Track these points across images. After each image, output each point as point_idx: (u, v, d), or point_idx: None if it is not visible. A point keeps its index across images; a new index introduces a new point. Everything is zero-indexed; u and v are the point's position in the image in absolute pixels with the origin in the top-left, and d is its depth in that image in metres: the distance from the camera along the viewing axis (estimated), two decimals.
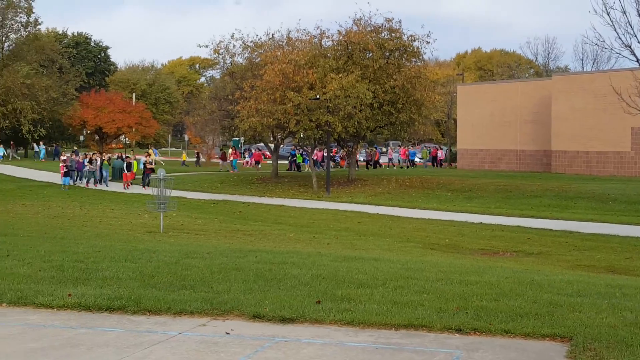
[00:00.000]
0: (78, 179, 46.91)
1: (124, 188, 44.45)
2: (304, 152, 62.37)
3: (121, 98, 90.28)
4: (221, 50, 53.07)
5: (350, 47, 45.62)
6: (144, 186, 44.10)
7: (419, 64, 48.76)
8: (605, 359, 8.35)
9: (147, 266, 13.96)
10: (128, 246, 17.84)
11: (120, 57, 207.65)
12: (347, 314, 10.23)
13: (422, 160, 68.94)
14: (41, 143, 79.00)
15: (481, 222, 30.38)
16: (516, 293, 11.90)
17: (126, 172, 45.76)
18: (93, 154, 51.66)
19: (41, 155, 72.74)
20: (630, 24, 20.97)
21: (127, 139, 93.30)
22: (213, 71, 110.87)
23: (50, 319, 10.08)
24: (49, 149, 79.73)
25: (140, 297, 10.96)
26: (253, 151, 73.70)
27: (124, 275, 12.94)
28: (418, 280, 12.92)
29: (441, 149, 74.95)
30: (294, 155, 63.34)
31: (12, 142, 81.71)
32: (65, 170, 44.34)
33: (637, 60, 20.83)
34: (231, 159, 64.80)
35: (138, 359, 8.36)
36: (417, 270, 14.36)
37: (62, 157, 47.83)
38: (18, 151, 77.94)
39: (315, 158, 59.04)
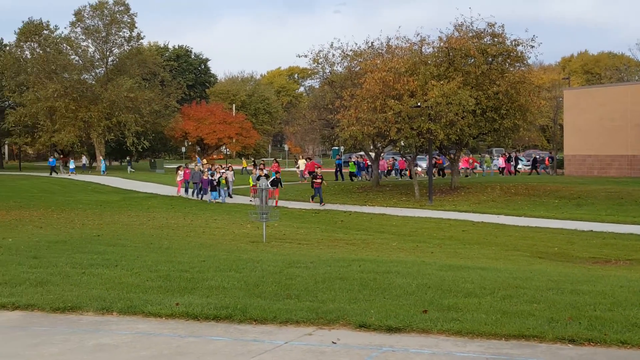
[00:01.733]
0: (201, 194, 44.54)
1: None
2: (357, 162, 61.80)
3: (221, 109, 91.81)
4: (320, 60, 53.22)
5: (451, 53, 45.14)
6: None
7: (523, 68, 47.88)
8: None
9: (251, 276, 14.01)
10: (232, 256, 17.98)
11: (220, 68, 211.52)
12: (455, 323, 10.04)
13: (488, 169, 67.10)
14: (101, 157, 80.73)
15: (592, 230, 29.52)
16: (631, 303, 11.53)
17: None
18: (215, 166, 49.50)
19: (102, 168, 73.80)
20: None
21: (227, 149, 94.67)
22: (312, 81, 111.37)
23: (159, 328, 10.21)
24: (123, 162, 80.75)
25: (246, 307, 10.98)
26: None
27: (229, 284, 13.02)
28: (527, 290, 12.62)
29: (537, 155, 73.20)
30: (339, 165, 61.10)
31: (62, 156, 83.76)
32: (193, 182, 44.78)
33: None
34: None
35: None
36: (525, 280, 14.04)
37: (180, 172, 47.64)
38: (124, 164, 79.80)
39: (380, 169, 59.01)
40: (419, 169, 62.10)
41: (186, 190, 46.25)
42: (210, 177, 43.94)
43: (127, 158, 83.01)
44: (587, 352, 8.98)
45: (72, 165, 72.70)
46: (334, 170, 60.78)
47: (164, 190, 49.94)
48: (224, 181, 43.24)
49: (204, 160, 66.49)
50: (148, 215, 34.36)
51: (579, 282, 13.90)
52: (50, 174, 70.83)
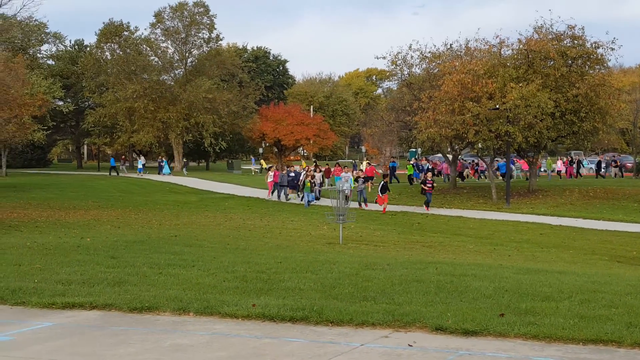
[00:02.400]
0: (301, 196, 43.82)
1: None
2: (415, 164, 61.15)
3: (299, 110, 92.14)
4: (398, 62, 53.12)
5: (530, 56, 44.68)
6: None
7: (603, 71, 47.11)
8: None
9: (327, 277, 14.11)
10: (308, 257, 18.11)
11: (298, 70, 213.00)
12: (532, 327, 10.01)
13: (546, 171, 65.74)
14: (141, 157, 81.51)
15: None
16: None
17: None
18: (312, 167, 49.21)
19: (139, 169, 74.35)
20: None
21: (305, 150, 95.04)
22: (390, 82, 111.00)
23: (235, 329, 10.33)
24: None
25: (322, 308, 11.07)
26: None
27: (305, 286, 13.13)
28: (605, 294, 12.50)
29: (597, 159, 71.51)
30: (392, 168, 59.71)
31: (122, 156, 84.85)
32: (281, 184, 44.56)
33: None
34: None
35: None
36: (604, 284, 13.89)
37: (270, 173, 47.37)
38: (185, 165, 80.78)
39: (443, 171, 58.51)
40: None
41: (275, 193, 45.61)
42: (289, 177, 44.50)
43: (184, 160, 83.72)
44: None
45: (140, 164, 73.78)
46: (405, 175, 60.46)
47: (241, 191, 50.45)
48: (308, 184, 42.88)
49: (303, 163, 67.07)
50: (225, 216, 34.76)
51: None
52: (110, 174, 71.90)
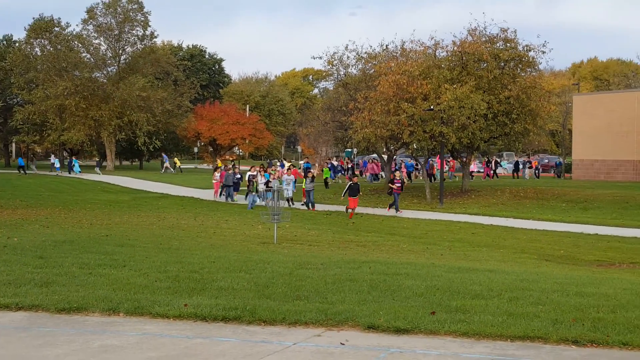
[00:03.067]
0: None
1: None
2: (331, 165, 61.57)
3: (235, 110, 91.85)
4: (335, 62, 53.39)
5: (464, 58, 45.25)
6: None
7: (534, 74, 47.98)
8: None
9: (261, 277, 14.13)
10: (242, 257, 18.09)
11: (234, 69, 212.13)
12: (462, 325, 10.18)
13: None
14: (52, 156, 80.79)
15: (597, 234, 29.70)
16: (634, 305, 11.71)
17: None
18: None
19: (57, 167, 73.70)
20: None
21: (240, 150, 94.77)
22: (326, 82, 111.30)
23: (167, 329, 10.28)
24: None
25: (255, 308, 11.10)
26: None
27: (238, 285, 13.13)
28: (533, 292, 12.77)
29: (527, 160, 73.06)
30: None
31: (32, 154, 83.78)
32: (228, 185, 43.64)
33: None
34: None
35: None
36: (532, 282, 14.17)
37: (217, 173, 46.24)
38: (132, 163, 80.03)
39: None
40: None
41: (223, 195, 44.60)
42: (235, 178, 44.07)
43: (96, 159, 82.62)
44: (589, 353, 9.12)
45: (57, 163, 72.86)
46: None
47: (175, 190, 50.13)
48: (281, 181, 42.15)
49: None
50: (158, 216, 34.50)
51: (583, 284, 14.05)
52: (19, 171, 70.79)
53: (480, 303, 11.71)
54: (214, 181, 46.26)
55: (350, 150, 79.13)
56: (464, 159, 50.10)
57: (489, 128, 44.93)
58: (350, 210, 37.18)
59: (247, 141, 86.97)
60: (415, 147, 49.23)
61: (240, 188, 44.92)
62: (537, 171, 69.04)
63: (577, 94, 72.30)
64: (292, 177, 42.55)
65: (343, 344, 9.49)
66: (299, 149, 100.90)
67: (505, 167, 75.96)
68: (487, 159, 69.17)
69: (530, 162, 70.22)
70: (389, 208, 39.31)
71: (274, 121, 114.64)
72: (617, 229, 31.18)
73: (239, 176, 45.06)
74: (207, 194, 47.21)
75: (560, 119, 73.44)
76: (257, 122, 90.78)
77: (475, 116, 42.10)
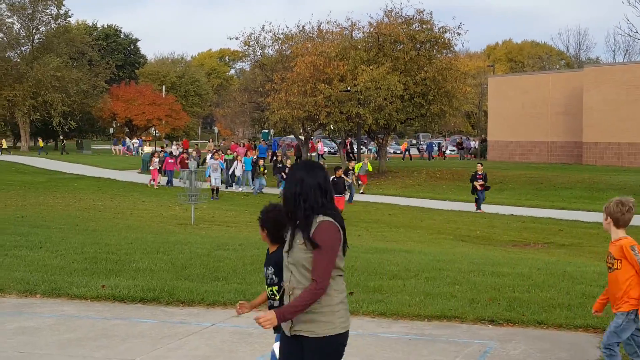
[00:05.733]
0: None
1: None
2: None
3: (151, 90, 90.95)
4: (251, 42, 53.24)
5: (381, 39, 45.51)
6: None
7: (450, 55, 48.59)
8: None
9: (179, 258, 14.03)
10: (160, 238, 17.92)
11: (150, 49, 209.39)
12: (380, 305, 10.27)
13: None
14: None
15: (512, 214, 30.22)
16: (549, 284, 11.93)
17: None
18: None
19: None
20: None
21: (156, 131, 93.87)
22: (243, 63, 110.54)
23: (84, 310, 10.17)
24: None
25: (173, 289, 11.03)
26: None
27: (156, 267, 13.02)
28: (450, 272, 12.93)
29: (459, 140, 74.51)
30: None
31: None
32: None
33: None
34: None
35: (172, 350, 8.42)
36: (449, 262, 14.36)
37: (155, 159, 41.41)
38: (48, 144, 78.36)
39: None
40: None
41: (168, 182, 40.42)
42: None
43: None
44: (505, 332, 9.29)
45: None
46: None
47: (91, 171, 49.28)
48: (262, 168, 38.43)
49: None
50: (74, 197, 33.85)
51: (499, 264, 14.29)
52: None
53: (398, 283, 11.81)
54: (151, 168, 41.60)
55: (267, 131, 79.04)
56: (381, 140, 50.46)
57: (406, 109, 45.35)
58: None
59: (163, 122, 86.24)
60: (332, 128, 49.43)
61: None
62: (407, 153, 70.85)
63: (492, 76, 73.43)
64: (218, 162, 36.81)
65: None
66: (216, 130, 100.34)
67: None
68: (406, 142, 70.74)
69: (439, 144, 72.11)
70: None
71: (191, 102, 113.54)
72: (531, 209, 31.75)
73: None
74: (124, 175, 46.58)
75: (476, 100, 74.57)
76: (173, 103, 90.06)
77: (391, 97, 42.42)
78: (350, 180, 33.25)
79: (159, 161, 40.84)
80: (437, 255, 15.92)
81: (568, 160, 56.63)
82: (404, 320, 9.80)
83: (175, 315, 9.95)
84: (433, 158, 68.76)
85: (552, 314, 9.92)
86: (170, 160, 41.15)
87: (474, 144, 75.99)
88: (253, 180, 38.65)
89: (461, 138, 76.28)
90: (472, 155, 70.44)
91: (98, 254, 14.35)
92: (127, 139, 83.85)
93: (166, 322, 9.57)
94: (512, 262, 14.99)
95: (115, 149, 79.56)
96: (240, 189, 38.69)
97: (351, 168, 35.18)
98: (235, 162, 39.19)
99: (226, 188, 38.72)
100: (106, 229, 21.18)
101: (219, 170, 35.86)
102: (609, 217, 7.05)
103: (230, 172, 39.23)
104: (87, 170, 50.29)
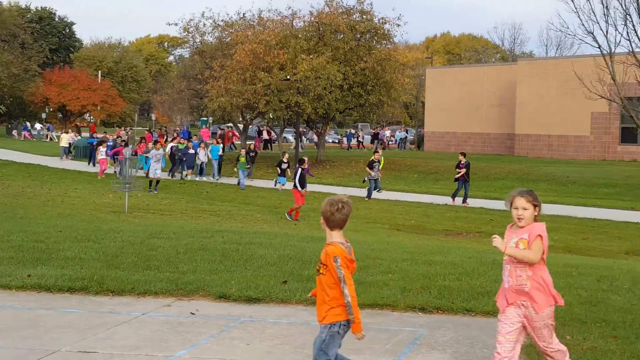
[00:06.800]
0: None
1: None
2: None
3: (86, 75, 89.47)
4: (191, 29, 52.80)
5: (321, 29, 45.53)
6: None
7: (389, 46, 48.86)
8: (560, 335, 8.40)
9: (110, 246, 13.81)
10: (91, 226, 17.63)
11: (86, 33, 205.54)
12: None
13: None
14: None
15: (446, 204, 30.58)
16: (478, 272, 12.08)
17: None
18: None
19: None
20: (593, 11, 21.36)
21: (92, 117, 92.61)
22: (182, 50, 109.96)
23: (8, 300, 9.92)
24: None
25: (103, 278, 10.83)
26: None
27: (86, 255, 12.78)
28: (384, 261, 12.97)
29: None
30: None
31: None
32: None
33: (599, 47, 20.97)
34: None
35: (101, 340, 8.25)
36: (382, 251, 14.42)
37: (102, 148, 39.38)
38: None
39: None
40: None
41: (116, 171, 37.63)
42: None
43: None
44: (435, 319, 9.35)
45: None
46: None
47: (20, 157, 48.40)
48: (243, 159, 36.75)
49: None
50: (2, 183, 33.21)
51: (432, 253, 14.42)
52: None
53: None
54: (99, 157, 39.67)
55: (205, 118, 78.56)
56: (320, 130, 50.50)
57: (345, 99, 45.47)
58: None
59: (98, 108, 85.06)
60: (271, 116, 49.31)
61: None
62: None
63: (431, 68, 74.09)
64: (161, 152, 34.48)
65: (193, 314, 9.39)
66: (153, 116, 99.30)
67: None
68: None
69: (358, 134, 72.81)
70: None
71: (127, 88, 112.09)
72: None
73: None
74: (55, 162, 45.88)
75: (414, 91, 75.07)
76: (109, 88, 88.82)
77: (331, 87, 42.46)
78: (373, 174, 32.52)
79: (110, 149, 40.06)
80: (372, 244, 15.96)
81: (501, 152, 57.51)
82: None
83: (105, 305, 9.77)
84: (351, 148, 69.09)
85: (480, 301, 10.03)
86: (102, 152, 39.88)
87: (388, 134, 76.81)
88: (220, 170, 39.20)
89: (377, 128, 76.90)
90: (415, 146, 70.81)
91: (25, 242, 14.02)
92: (28, 123, 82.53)
93: (94, 312, 9.38)
94: (445, 250, 15.13)
95: (15, 134, 78.54)
96: (204, 179, 38.43)
97: (377, 160, 32.63)
98: (200, 150, 38.97)
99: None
100: (35, 216, 20.80)
101: (161, 161, 33.82)
102: (322, 217, 6.69)
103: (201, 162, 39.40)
104: (15, 156, 49.38)
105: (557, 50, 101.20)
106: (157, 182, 32.73)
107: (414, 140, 73.56)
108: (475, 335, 8.70)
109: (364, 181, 33.81)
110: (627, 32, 20.51)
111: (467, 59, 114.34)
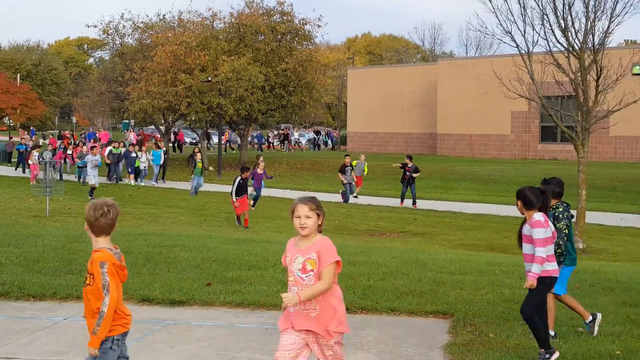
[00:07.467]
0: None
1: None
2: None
3: (4, 78, 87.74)
4: (110, 31, 52.18)
5: (242, 30, 45.51)
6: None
7: (311, 47, 49.08)
8: (484, 333, 8.66)
9: (31, 251, 13.65)
10: (11, 231, 17.37)
11: (4, 35, 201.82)
12: (238, 295, 10.29)
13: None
14: None
15: (370, 204, 30.81)
16: (402, 272, 12.23)
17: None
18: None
19: None
20: (510, 11, 21.43)
21: (11, 120, 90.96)
22: (102, 52, 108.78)
23: None
24: None
25: (24, 283, 10.73)
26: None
27: (6, 260, 12.62)
28: None
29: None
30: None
31: None
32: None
33: (517, 47, 21.38)
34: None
35: (22, 346, 8.19)
36: None
37: (35, 152, 36.53)
38: None
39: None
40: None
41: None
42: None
43: None
44: (359, 319, 9.46)
45: None
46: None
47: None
48: (200, 164, 34.69)
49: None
50: None
51: (355, 253, 14.53)
52: None
53: (256, 274, 11.88)
54: (31, 162, 37.15)
55: (127, 121, 77.77)
56: (242, 131, 50.46)
57: (267, 100, 45.54)
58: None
59: (18, 111, 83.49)
60: (193, 118, 49.08)
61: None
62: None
63: (352, 68, 74.58)
64: (97, 157, 33.12)
65: None
66: (74, 119, 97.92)
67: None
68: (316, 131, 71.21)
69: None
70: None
71: (47, 91, 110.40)
72: (387, 199, 32.49)
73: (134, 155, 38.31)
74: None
75: (336, 92, 75.49)
76: (28, 91, 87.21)
77: (252, 88, 42.48)
78: (346, 180, 31.83)
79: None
80: None
81: (424, 151, 58.16)
82: (260, 311, 9.86)
83: (26, 310, 9.69)
84: (262, 149, 69.23)
85: (404, 300, 10.19)
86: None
87: (297, 135, 77.52)
88: (164, 174, 38.67)
89: (287, 129, 77.37)
90: (341, 146, 71.18)
91: None
92: None
93: (15, 318, 9.29)
94: (368, 250, 15.28)
95: None
96: (143, 183, 37.92)
97: (348, 164, 32.13)
98: (141, 154, 38.42)
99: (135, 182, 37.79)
100: None
101: (97, 167, 32.45)
102: (86, 224, 6.08)
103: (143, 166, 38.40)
104: None
105: (476, 50, 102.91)
106: (93, 188, 31.16)
107: (336, 141, 74.04)
108: (399, 334, 8.85)
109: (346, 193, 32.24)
110: (545, 32, 20.89)
111: (388, 60, 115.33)
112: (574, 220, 10.19)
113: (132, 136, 59.24)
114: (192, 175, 34.57)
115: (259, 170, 27.88)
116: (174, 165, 44.56)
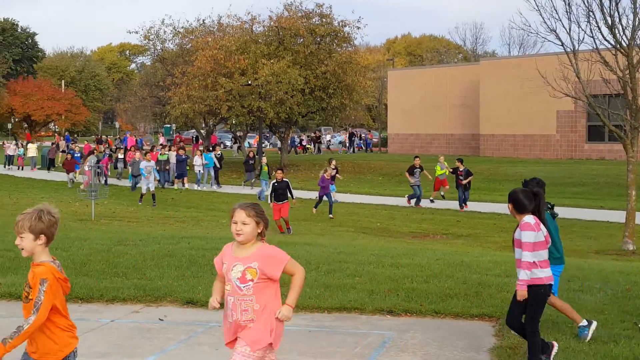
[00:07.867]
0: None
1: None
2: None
3: (50, 85, 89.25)
4: (151, 37, 52.73)
5: (281, 33, 45.60)
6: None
7: (350, 49, 48.96)
8: None
9: (78, 254, 13.84)
10: (59, 234, 17.52)
11: (49, 43, 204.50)
12: (281, 298, 10.30)
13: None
14: None
15: (412, 206, 30.68)
16: (446, 274, 12.15)
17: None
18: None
19: None
20: (555, 8, 21.29)
21: (56, 126, 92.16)
22: (144, 57, 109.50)
23: None
24: None
25: (72, 285, 10.69)
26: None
27: None
28: (350, 264, 13.06)
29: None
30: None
31: None
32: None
33: (562, 45, 21.10)
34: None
35: None
36: (349, 254, 14.49)
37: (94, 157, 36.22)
38: None
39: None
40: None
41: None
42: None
43: None
44: (404, 322, 9.47)
45: None
46: None
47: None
48: (266, 167, 34.41)
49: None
50: None
51: (398, 255, 14.47)
52: None
53: None
54: (87, 168, 35.28)
55: (169, 126, 78.34)
56: (283, 134, 50.58)
57: (307, 103, 45.54)
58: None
59: (63, 117, 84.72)
60: (233, 122, 49.33)
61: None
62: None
63: (392, 69, 74.37)
64: (152, 163, 32.20)
65: (162, 320, 9.47)
66: (117, 124, 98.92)
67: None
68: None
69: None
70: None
71: (91, 97, 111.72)
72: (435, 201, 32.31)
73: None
74: (21, 172, 45.59)
75: (376, 94, 75.36)
76: (73, 97, 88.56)
77: (292, 91, 42.55)
78: (413, 181, 30.97)
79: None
80: (338, 247, 16.04)
81: (466, 152, 57.62)
82: (304, 313, 9.88)
83: (74, 313, 9.69)
84: (296, 152, 69.27)
85: (449, 303, 10.14)
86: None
87: (328, 137, 77.62)
88: (217, 177, 38.83)
89: (318, 131, 77.40)
90: (382, 148, 71.02)
91: None
92: None
93: None
94: (411, 253, 15.22)
95: None
96: (198, 188, 38.17)
97: (417, 166, 31.18)
98: (196, 158, 38.90)
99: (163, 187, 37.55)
100: (2, 226, 20.69)
101: (153, 173, 31.47)
102: (31, 235, 5.67)
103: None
104: None
105: (520, 49, 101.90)
106: (153, 195, 30.61)
107: (378, 143, 73.93)
108: (445, 337, 8.82)
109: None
110: (591, 29, 20.58)
111: (429, 60, 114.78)
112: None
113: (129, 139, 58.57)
114: (260, 179, 34.12)
115: (326, 176, 27.10)
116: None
